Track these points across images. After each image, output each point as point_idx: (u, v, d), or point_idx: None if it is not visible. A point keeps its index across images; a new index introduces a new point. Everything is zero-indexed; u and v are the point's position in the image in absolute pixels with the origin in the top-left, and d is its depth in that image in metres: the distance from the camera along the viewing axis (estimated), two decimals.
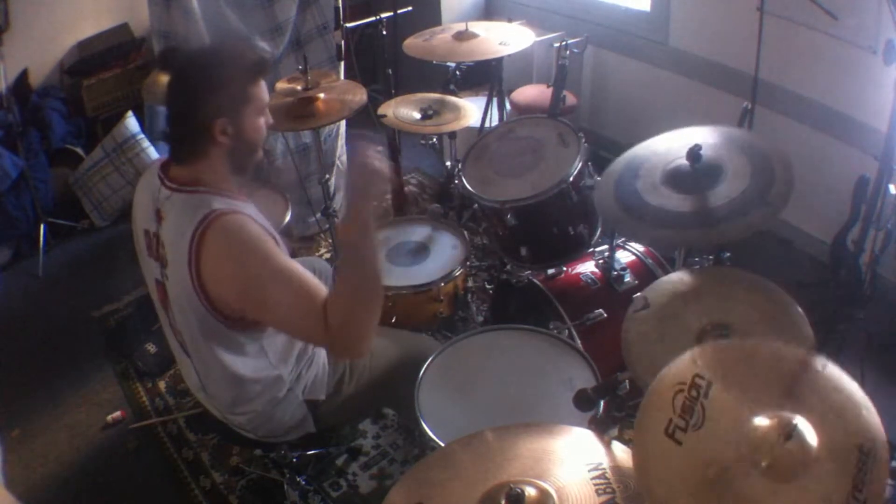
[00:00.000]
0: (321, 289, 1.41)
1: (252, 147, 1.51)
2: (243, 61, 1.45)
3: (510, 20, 3.13)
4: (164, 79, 1.45)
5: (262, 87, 1.48)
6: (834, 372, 1.05)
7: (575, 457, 1.13)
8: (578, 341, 1.95)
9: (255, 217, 1.47)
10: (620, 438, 2.05)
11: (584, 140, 2.17)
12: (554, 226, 2.19)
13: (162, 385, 2.60)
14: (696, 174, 1.70)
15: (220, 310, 1.43)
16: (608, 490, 1.05)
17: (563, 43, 2.52)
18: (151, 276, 1.56)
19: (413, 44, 2.70)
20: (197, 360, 1.59)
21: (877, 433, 0.97)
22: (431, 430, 1.53)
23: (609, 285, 2.15)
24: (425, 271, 2.21)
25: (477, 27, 2.69)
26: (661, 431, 0.96)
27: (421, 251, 2.31)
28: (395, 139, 2.92)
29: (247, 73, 1.44)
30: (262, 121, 1.50)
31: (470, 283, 2.40)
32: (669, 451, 0.94)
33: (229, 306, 1.43)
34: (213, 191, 1.44)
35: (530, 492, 1.05)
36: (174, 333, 1.60)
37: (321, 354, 1.71)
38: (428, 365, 1.72)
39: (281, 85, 2.47)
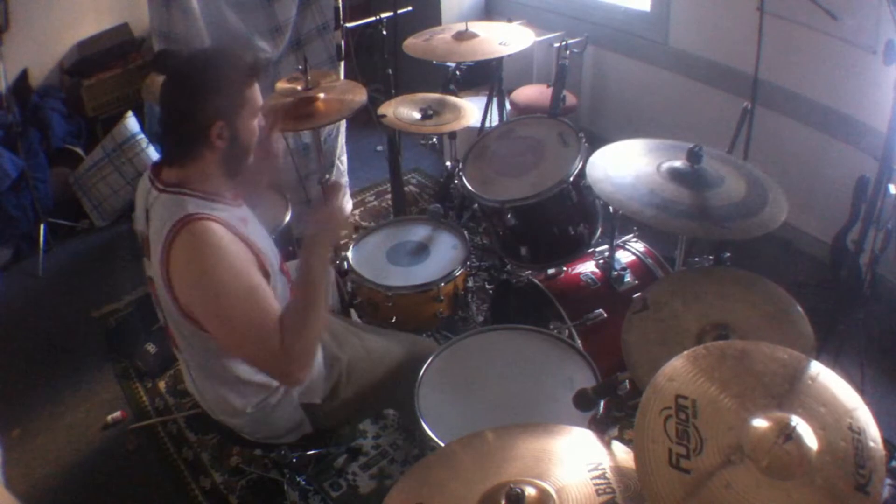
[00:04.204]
0: (275, 311, 1.40)
1: (246, 150, 1.49)
2: (240, 64, 1.43)
3: (510, 20, 3.13)
4: (160, 80, 1.44)
5: (257, 89, 1.47)
6: (819, 368, 1.04)
7: (575, 457, 1.13)
8: (578, 341, 1.95)
9: (234, 224, 1.44)
10: (620, 438, 2.05)
11: (584, 140, 2.18)
12: (554, 226, 2.19)
13: (162, 385, 2.60)
14: (694, 174, 1.71)
15: (190, 314, 1.42)
16: (608, 490, 1.05)
17: (563, 43, 2.52)
18: (147, 275, 1.56)
19: (413, 44, 2.70)
20: (186, 356, 1.59)
21: (858, 405, 0.98)
22: (431, 430, 1.53)
23: (609, 285, 2.15)
24: (425, 271, 2.21)
25: (477, 27, 2.69)
26: (665, 464, 0.93)
27: (421, 251, 2.31)
28: (396, 139, 2.92)
29: (243, 75, 1.43)
30: (255, 123, 1.48)
31: (470, 283, 2.40)
32: (682, 482, 0.91)
33: (190, 309, 1.41)
34: (193, 193, 1.43)
35: (530, 492, 1.05)
36: (167, 328, 1.59)
37: (317, 358, 1.70)
38: (428, 365, 1.72)
39: (281, 85, 2.46)
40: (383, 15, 2.86)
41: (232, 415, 1.63)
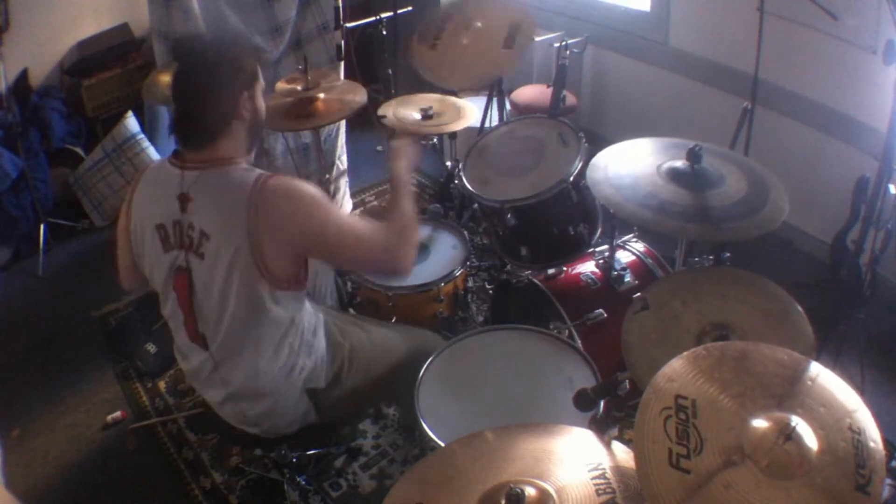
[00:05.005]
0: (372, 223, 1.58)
1: (262, 121, 1.61)
2: (247, 43, 1.65)
3: None
4: (166, 77, 1.50)
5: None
6: (819, 368, 1.05)
7: (575, 457, 1.13)
8: (578, 341, 1.95)
9: None
10: (620, 438, 2.05)
11: (584, 140, 2.18)
12: (554, 226, 2.19)
13: (162, 385, 2.60)
14: (694, 174, 1.72)
15: (274, 270, 1.48)
16: (608, 490, 1.05)
17: (563, 43, 2.52)
18: (169, 269, 1.55)
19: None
20: (219, 345, 1.58)
21: (859, 406, 0.98)
22: (431, 430, 1.54)
23: (609, 285, 2.15)
24: (425, 271, 2.21)
25: None
26: (665, 464, 0.94)
27: (421, 251, 2.31)
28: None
29: (252, 53, 1.59)
30: (264, 100, 1.61)
31: (470, 283, 2.40)
32: (682, 482, 0.92)
33: (284, 264, 1.50)
34: (245, 162, 1.54)
35: (530, 492, 1.05)
36: (190, 324, 1.59)
37: (321, 344, 1.71)
38: (428, 365, 1.72)
39: (281, 85, 2.47)
40: (383, 15, 2.87)
41: (244, 403, 1.63)
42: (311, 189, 1.52)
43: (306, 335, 1.66)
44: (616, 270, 2.17)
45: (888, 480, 1.83)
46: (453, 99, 2.65)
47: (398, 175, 1.78)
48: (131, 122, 3.59)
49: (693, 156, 1.72)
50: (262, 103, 1.59)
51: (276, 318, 1.56)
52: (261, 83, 1.57)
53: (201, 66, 1.49)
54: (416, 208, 1.71)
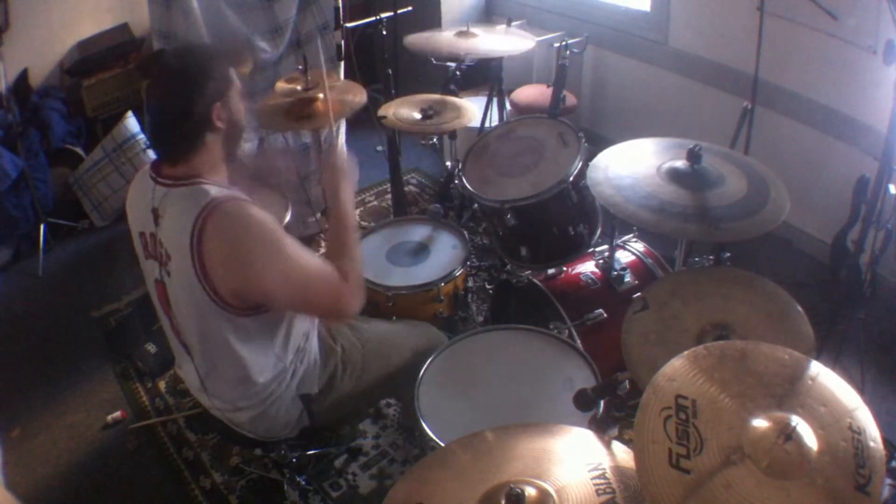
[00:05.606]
0: (324, 262, 1.51)
1: (241, 129, 1.56)
2: (221, 49, 1.58)
3: (510, 20, 3.13)
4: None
5: (234, 72, 1.56)
6: (819, 367, 1.05)
7: (575, 457, 1.13)
8: (578, 341, 1.95)
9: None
10: (620, 438, 2.05)
11: (584, 140, 2.18)
12: (554, 226, 2.19)
13: (162, 385, 2.60)
14: (694, 174, 1.72)
15: (225, 297, 1.44)
16: (608, 490, 1.05)
17: (563, 43, 2.52)
18: (151, 277, 1.57)
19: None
20: (200, 358, 1.59)
21: (859, 406, 0.98)
22: (431, 430, 1.54)
23: (609, 285, 2.15)
24: (425, 271, 2.21)
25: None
26: (665, 464, 0.93)
27: (421, 251, 2.31)
28: (395, 139, 2.92)
29: (226, 58, 1.54)
30: (241, 102, 1.55)
31: (470, 283, 2.40)
32: (682, 482, 0.92)
33: (234, 292, 1.44)
34: (210, 181, 1.47)
35: (530, 492, 1.05)
36: (175, 334, 1.60)
37: (313, 349, 1.72)
38: (428, 365, 1.72)
39: (281, 85, 2.46)
40: (383, 15, 2.86)
41: (241, 409, 1.63)
42: (262, 219, 1.43)
43: (297, 341, 1.66)
44: (616, 270, 2.17)
45: (888, 480, 1.83)
46: (453, 99, 2.65)
47: (345, 204, 1.63)
48: (131, 122, 3.60)
49: (693, 156, 1.72)
50: (239, 109, 1.52)
51: (245, 339, 1.53)
52: (237, 86, 1.51)
53: (166, 81, 1.45)
54: (357, 240, 1.62)
